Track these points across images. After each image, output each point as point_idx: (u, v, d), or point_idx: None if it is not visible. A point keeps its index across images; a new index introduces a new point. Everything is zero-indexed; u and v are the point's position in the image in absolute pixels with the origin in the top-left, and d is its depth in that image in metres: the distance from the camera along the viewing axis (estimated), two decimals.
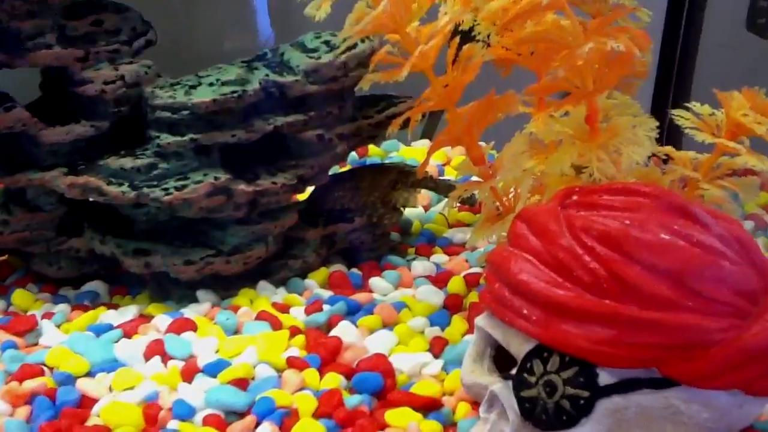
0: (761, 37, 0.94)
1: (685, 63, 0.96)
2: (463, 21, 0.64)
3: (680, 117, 0.69)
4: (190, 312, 0.67)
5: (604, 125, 0.68)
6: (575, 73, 0.64)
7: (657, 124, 0.67)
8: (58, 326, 0.65)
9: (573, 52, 0.63)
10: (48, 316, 0.67)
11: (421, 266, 0.74)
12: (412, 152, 1.01)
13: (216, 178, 0.65)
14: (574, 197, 0.55)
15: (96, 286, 0.73)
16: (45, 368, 0.59)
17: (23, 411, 0.54)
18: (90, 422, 0.54)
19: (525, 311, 0.49)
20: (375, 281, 0.71)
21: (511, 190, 0.69)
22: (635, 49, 0.62)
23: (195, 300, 0.69)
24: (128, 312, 0.67)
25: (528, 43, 0.66)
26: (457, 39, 0.64)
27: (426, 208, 0.86)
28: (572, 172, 0.67)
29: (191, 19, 1.13)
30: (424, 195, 0.86)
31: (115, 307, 0.70)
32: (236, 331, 0.64)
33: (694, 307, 0.49)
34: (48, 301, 0.71)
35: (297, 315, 0.66)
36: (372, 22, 0.57)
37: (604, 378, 0.49)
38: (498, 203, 0.69)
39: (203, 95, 0.64)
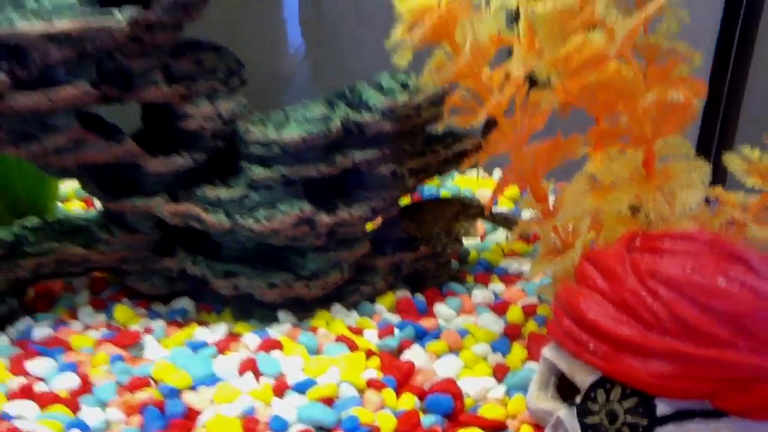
0: None
1: (732, 104, 1.00)
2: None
3: (731, 161, 0.74)
4: (273, 332, 0.73)
5: (660, 167, 0.73)
6: (635, 120, 0.69)
7: (709, 168, 0.72)
8: (159, 341, 0.72)
9: (634, 100, 0.68)
10: (148, 331, 0.74)
11: (480, 294, 0.79)
12: (466, 181, 1.07)
13: (302, 210, 0.71)
14: (638, 242, 0.60)
15: (185, 303, 0.80)
16: (151, 381, 0.66)
17: (136, 420, 0.61)
18: None
19: (591, 346, 0.55)
20: (439, 307, 0.77)
21: (570, 226, 0.74)
22: (694, 99, 0.67)
23: (276, 320, 0.76)
24: (218, 330, 0.74)
25: (591, 90, 0.71)
26: (527, 85, 0.70)
27: (482, 238, 0.92)
28: (629, 212, 0.72)
29: (223, 27, 1.19)
30: (480, 224, 0.92)
31: (206, 324, 0.76)
32: (317, 351, 0.70)
33: (747, 346, 0.54)
34: (144, 317, 0.77)
35: (370, 338, 0.72)
36: (453, 71, 0.63)
37: (662, 408, 0.55)
38: (557, 239, 0.74)
39: (292, 132, 0.70)
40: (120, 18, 0.66)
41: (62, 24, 0.64)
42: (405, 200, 0.85)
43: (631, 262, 0.57)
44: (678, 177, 0.72)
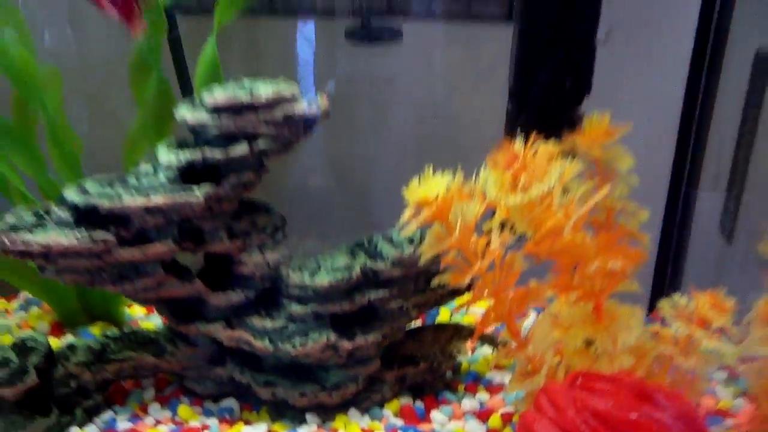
0: None
1: (679, 254, 1.21)
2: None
3: (663, 307, 0.94)
4: (303, 430, 0.93)
5: (607, 311, 0.93)
6: (586, 278, 0.89)
7: (645, 314, 0.92)
8: None
9: (585, 266, 0.88)
10: (205, 427, 0.93)
11: (468, 403, 0.99)
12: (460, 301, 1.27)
13: (328, 338, 0.92)
14: (579, 381, 0.79)
15: (231, 402, 1.00)
16: None
17: None
18: None
19: None
20: (435, 414, 0.96)
21: (537, 355, 0.94)
22: (631, 267, 0.88)
23: (305, 421, 0.95)
24: (260, 428, 0.93)
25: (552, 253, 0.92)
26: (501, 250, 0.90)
27: (472, 351, 1.12)
28: (583, 346, 0.92)
29: None
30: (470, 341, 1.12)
31: (249, 422, 0.96)
32: None
33: None
34: (200, 414, 0.98)
35: None
36: (447, 244, 0.84)
37: None
38: (528, 364, 0.94)
39: (322, 279, 0.92)
40: (198, 194, 0.88)
41: (156, 199, 0.87)
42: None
43: (572, 397, 0.76)
44: (620, 320, 0.92)
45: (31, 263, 1.10)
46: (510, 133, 1.03)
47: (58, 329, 1.21)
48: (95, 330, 1.19)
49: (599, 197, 0.86)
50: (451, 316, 1.20)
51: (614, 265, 0.85)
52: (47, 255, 0.86)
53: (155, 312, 1.25)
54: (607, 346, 0.89)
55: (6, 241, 0.85)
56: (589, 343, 0.93)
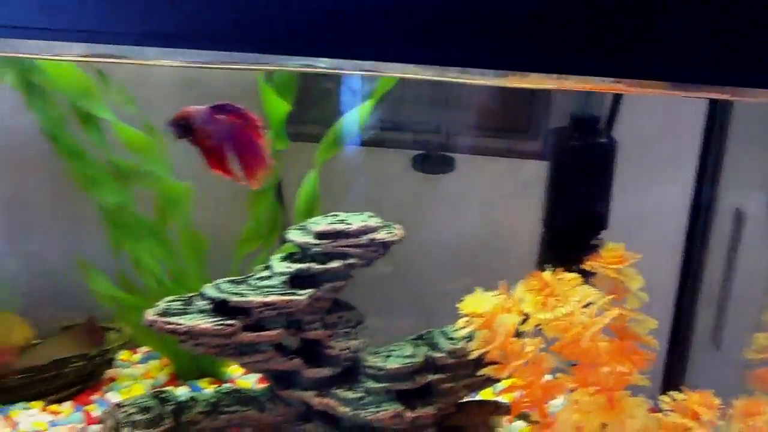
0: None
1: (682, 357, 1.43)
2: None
3: (662, 401, 1.17)
4: None
5: (618, 402, 1.17)
6: (602, 376, 1.13)
7: (649, 406, 1.15)
8: None
9: (600, 366, 1.12)
10: None
11: None
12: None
13: (395, 409, 1.18)
14: None
15: None
16: None
17: None
18: None
19: None
20: None
21: None
22: (640, 367, 1.12)
23: None
24: None
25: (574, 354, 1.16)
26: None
27: (510, 421, 1.36)
28: (598, 427, 1.16)
29: None
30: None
31: None
32: None
33: None
34: None
35: None
36: (492, 351, 1.10)
37: None
38: None
39: (393, 364, 1.19)
40: (302, 296, 1.16)
41: (271, 298, 1.15)
42: None
43: None
44: (628, 410, 1.15)
45: None
46: (544, 254, 1.29)
47: (174, 380, 1.50)
48: (203, 383, 1.48)
49: (612, 315, 1.11)
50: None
51: (623, 368, 1.10)
52: (190, 334, 1.15)
53: (251, 373, 1.54)
54: (617, 429, 1.13)
55: (160, 323, 1.15)
56: (603, 426, 1.17)
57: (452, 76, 0.82)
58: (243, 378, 1.52)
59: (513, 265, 1.18)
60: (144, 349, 1.62)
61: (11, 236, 1.67)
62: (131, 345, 1.57)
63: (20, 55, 1.24)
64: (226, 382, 1.49)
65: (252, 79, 1.36)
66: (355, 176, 1.41)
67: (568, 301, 1.06)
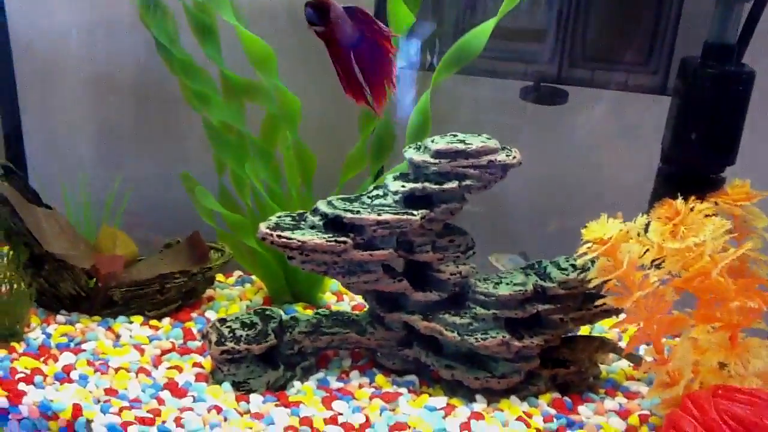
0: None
1: None
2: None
3: None
4: (476, 407, 1.17)
5: (741, 341, 1.11)
6: (726, 312, 1.08)
7: None
8: (407, 402, 1.18)
9: (726, 302, 1.07)
10: (399, 394, 1.19)
11: (609, 403, 1.20)
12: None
13: (503, 337, 1.16)
14: (720, 391, 0.99)
15: (413, 378, 1.25)
16: (407, 426, 1.10)
17: None
18: None
19: None
20: (581, 408, 1.18)
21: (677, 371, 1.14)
22: (764, 307, 1.06)
23: (475, 400, 1.20)
24: (441, 400, 1.18)
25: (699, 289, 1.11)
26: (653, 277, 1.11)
27: (610, 362, 1.33)
28: (717, 367, 1.11)
29: None
30: (611, 355, 1.33)
31: (430, 395, 1.22)
32: (505, 425, 1.13)
33: None
34: (391, 383, 1.25)
35: (538, 422, 1.14)
36: (615, 274, 1.06)
37: None
38: (668, 377, 1.14)
39: (503, 290, 1.16)
40: (416, 216, 1.14)
41: (385, 216, 1.14)
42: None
43: (715, 402, 0.97)
44: (752, 349, 1.10)
45: (260, 250, 1.42)
46: (660, 190, 1.23)
47: (268, 303, 1.52)
48: (298, 307, 1.49)
49: (743, 250, 1.05)
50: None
51: (752, 304, 1.04)
52: (301, 249, 1.15)
53: (344, 300, 1.54)
54: (738, 369, 1.08)
55: (273, 236, 1.15)
56: (722, 366, 1.13)
57: None
58: (337, 305, 1.53)
59: (626, 200, 1.13)
60: (238, 273, 1.64)
61: (120, 158, 1.71)
62: (229, 267, 1.59)
63: None
64: (320, 307, 1.49)
65: None
66: (465, 103, 1.37)
67: (700, 231, 1.01)
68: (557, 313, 1.19)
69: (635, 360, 1.28)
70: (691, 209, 1.04)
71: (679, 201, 1.04)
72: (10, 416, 1.16)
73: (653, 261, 1.09)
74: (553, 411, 1.18)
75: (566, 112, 1.39)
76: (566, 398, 1.21)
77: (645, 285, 1.06)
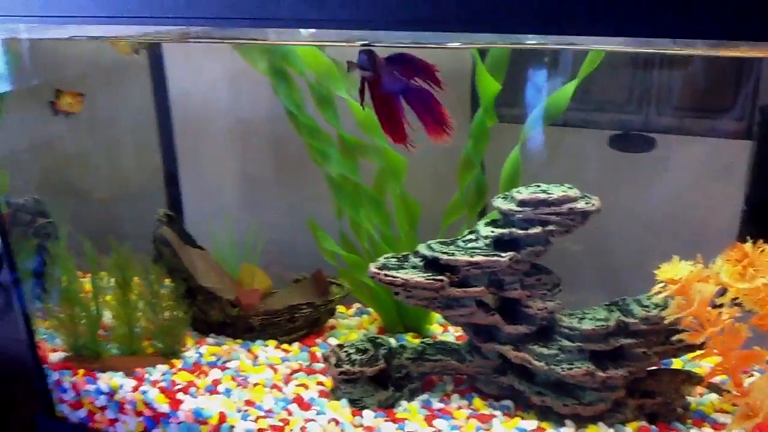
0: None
1: None
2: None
3: None
4: (564, 431, 1.29)
5: None
6: None
7: None
8: (501, 423, 1.32)
9: None
10: (493, 416, 1.34)
11: None
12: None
13: (587, 367, 1.27)
14: None
15: (508, 403, 1.39)
16: None
17: None
18: None
19: None
20: None
21: (757, 403, 1.19)
22: None
23: (564, 425, 1.31)
24: (532, 424, 1.31)
25: None
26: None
27: (701, 395, 1.39)
28: None
29: None
30: (698, 388, 1.39)
31: (522, 417, 1.35)
32: None
33: None
34: (488, 407, 1.39)
35: None
36: (688, 312, 1.15)
37: None
38: (749, 410, 1.19)
39: (587, 325, 1.28)
40: (504, 257, 1.30)
41: (476, 258, 1.30)
42: None
43: None
44: None
45: (374, 286, 1.62)
46: (744, 233, 1.29)
47: (382, 332, 1.71)
48: (408, 337, 1.67)
49: None
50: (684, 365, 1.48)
51: None
52: (405, 286, 1.34)
53: (449, 331, 1.71)
54: None
55: (381, 275, 1.35)
56: None
57: (659, 47, 0.88)
58: (443, 335, 1.69)
59: (710, 243, 1.21)
60: (356, 305, 1.86)
61: (258, 203, 2.00)
62: (348, 300, 1.81)
63: (275, 43, 1.50)
64: (426, 337, 1.67)
65: (460, 57, 1.51)
66: (554, 154, 1.51)
67: (766, 273, 1.09)
68: (640, 347, 1.29)
69: (719, 392, 1.34)
70: (761, 251, 1.11)
71: (748, 244, 1.11)
72: (170, 420, 1.44)
73: (733, 299, 1.17)
74: None
75: (653, 159, 1.49)
76: (653, 427, 1.30)
77: (718, 322, 1.14)
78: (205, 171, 2.06)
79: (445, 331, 1.71)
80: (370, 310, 1.80)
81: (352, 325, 1.76)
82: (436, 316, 1.74)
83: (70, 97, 1.73)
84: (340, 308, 1.83)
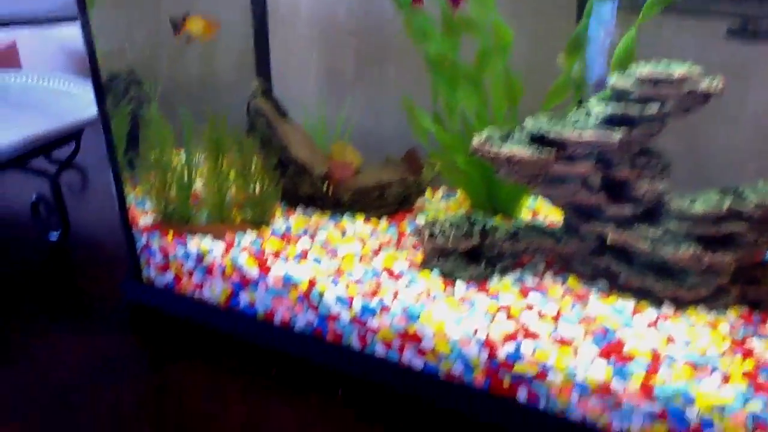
0: None
1: None
2: None
3: None
4: (663, 311, 1.29)
5: None
6: None
7: None
8: (597, 300, 1.33)
9: None
10: (588, 293, 1.36)
11: None
12: None
13: (694, 250, 1.25)
14: None
15: (602, 283, 1.39)
16: (592, 319, 1.27)
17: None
18: None
19: None
20: None
21: None
22: None
23: (660, 306, 1.31)
24: (629, 303, 1.31)
25: None
26: None
27: None
28: None
29: None
30: None
31: (618, 296, 1.36)
32: (691, 327, 1.24)
33: None
34: (583, 285, 1.40)
35: (724, 329, 1.23)
36: None
37: None
38: None
39: (698, 208, 1.25)
40: (616, 136, 1.26)
41: (587, 134, 1.27)
42: None
43: None
44: None
45: (466, 167, 1.61)
46: None
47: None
48: (497, 220, 1.67)
49: None
50: None
51: None
52: (509, 161, 1.32)
53: (538, 217, 1.70)
54: None
55: (486, 148, 1.33)
56: None
57: None
58: (532, 220, 1.69)
59: None
60: (443, 189, 1.86)
61: (350, 88, 1.98)
62: (435, 183, 1.81)
63: None
64: (518, 220, 1.66)
65: None
66: (670, 42, 1.42)
67: None
68: (751, 233, 1.25)
69: None
70: None
71: None
72: (259, 284, 1.48)
73: None
74: (738, 323, 1.26)
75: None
76: (754, 314, 1.28)
77: None
78: (295, 58, 2.04)
79: (535, 217, 1.70)
80: (458, 193, 1.80)
81: (440, 208, 1.76)
82: (526, 202, 1.72)
83: (200, 23, 1.64)
84: (428, 193, 1.84)
